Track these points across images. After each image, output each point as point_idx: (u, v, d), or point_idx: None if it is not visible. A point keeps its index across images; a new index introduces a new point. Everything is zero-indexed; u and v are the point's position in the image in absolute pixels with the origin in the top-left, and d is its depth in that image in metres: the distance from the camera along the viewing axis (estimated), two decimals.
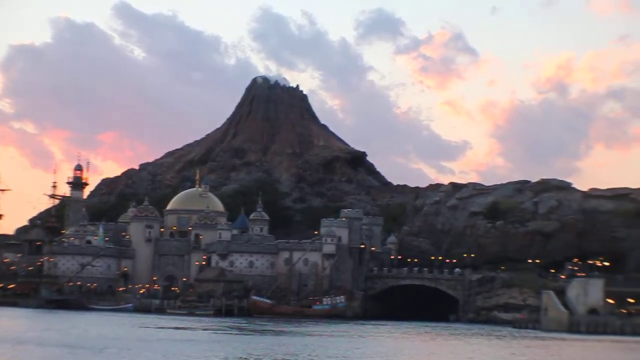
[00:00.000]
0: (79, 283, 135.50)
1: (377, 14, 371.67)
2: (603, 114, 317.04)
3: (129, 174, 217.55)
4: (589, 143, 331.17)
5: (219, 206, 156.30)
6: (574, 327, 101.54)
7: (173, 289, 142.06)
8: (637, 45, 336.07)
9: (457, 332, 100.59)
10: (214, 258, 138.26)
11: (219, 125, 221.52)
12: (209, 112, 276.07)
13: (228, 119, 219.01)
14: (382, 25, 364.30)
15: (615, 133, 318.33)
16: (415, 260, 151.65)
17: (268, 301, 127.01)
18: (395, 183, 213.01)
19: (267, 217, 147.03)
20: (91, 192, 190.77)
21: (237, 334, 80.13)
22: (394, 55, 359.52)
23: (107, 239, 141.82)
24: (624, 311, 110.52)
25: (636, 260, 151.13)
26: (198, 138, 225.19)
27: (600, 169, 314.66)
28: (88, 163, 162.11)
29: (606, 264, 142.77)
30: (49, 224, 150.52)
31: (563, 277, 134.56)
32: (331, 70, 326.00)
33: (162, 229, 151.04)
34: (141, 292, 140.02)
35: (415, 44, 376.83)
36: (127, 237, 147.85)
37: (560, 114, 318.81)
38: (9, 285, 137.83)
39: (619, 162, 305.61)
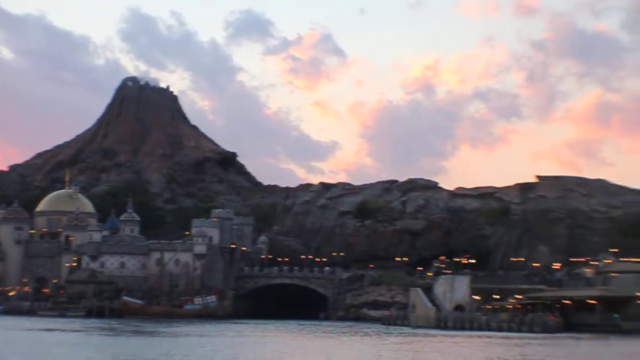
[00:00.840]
0: None
1: (246, 15, 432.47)
2: (469, 115, 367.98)
3: None
4: (455, 143, 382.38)
5: (89, 207, 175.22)
6: (441, 323, 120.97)
7: (44, 290, 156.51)
8: (502, 46, 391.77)
9: (327, 329, 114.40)
10: (85, 259, 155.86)
11: (89, 126, 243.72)
12: (78, 113, 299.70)
13: (98, 120, 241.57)
14: (252, 26, 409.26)
15: (480, 133, 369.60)
16: (286, 259, 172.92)
17: (139, 301, 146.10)
18: (265, 183, 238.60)
19: (138, 218, 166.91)
20: None
21: (107, 335, 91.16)
22: (264, 56, 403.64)
23: None
24: (489, 307, 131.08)
25: (501, 257, 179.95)
26: (68, 139, 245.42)
27: (466, 169, 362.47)
28: None
29: (472, 261, 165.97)
30: None
31: (430, 274, 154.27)
32: (201, 71, 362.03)
33: (32, 231, 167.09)
34: (11, 294, 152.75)
35: (285, 45, 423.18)
36: None
37: (427, 114, 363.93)
38: None
39: (484, 161, 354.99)
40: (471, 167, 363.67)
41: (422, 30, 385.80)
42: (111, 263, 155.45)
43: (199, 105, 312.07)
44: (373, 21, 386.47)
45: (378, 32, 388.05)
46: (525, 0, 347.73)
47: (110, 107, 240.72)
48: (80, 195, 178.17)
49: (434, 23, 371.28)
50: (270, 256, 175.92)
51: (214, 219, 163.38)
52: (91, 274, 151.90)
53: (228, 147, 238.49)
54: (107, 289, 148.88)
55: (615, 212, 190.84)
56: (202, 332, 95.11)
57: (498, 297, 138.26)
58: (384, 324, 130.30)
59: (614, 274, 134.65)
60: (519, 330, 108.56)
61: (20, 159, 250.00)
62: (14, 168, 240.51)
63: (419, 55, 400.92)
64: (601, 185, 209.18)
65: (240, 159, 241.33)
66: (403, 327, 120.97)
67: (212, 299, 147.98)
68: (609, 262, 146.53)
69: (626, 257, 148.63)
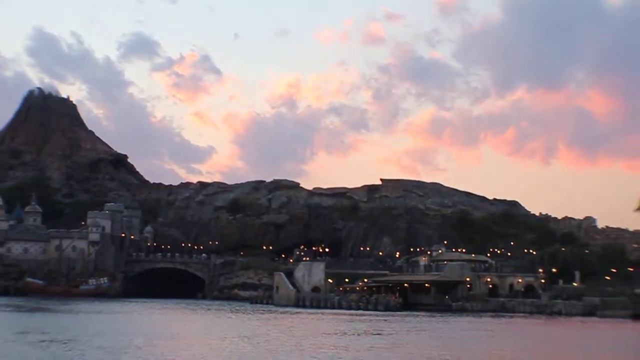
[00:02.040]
0: None
1: (136, 37, 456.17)
2: (325, 126, 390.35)
3: None
4: (313, 150, 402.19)
5: None
6: (300, 302, 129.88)
7: None
8: (353, 69, 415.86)
9: (203, 307, 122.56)
10: None
11: None
12: None
13: (6, 125, 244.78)
14: (141, 46, 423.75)
15: (334, 142, 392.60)
16: (169, 246, 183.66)
17: (40, 282, 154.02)
18: (152, 181, 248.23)
19: (40, 210, 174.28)
20: None
21: (12, 310, 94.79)
22: (151, 72, 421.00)
23: None
24: (341, 289, 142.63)
25: (351, 247, 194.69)
26: None
27: (323, 172, 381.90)
28: None
29: (327, 250, 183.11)
30: None
31: (292, 261, 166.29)
32: (96, 84, 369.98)
33: None
34: None
35: (169, 63, 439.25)
36: None
37: (289, 125, 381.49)
38: None
39: (337, 166, 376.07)
40: (327, 171, 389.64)
41: (285, 53, 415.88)
42: (16, 249, 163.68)
43: (95, 113, 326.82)
44: (245, 45, 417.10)
45: (249, 54, 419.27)
46: (373, 30, 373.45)
47: (17, 113, 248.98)
48: None
49: (295, 48, 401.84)
50: (155, 244, 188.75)
51: (107, 212, 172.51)
52: None
53: (120, 149, 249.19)
54: (12, 271, 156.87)
55: (446, 210, 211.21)
56: (97, 310, 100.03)
57: (348, 280, 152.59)
58: (252, 303, 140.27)
59: (445, 262, 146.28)
60: (365, 309, 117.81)
61: None
62: None
63: (283, 75, 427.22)
64: (435, 188, 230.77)
65: (130, 160, 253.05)
66: (268, 306, 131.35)
67: (104, 280, 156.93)
68: (440, 252, 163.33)
69: (455, 248, 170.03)
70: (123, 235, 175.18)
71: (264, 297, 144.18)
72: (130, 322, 79.50)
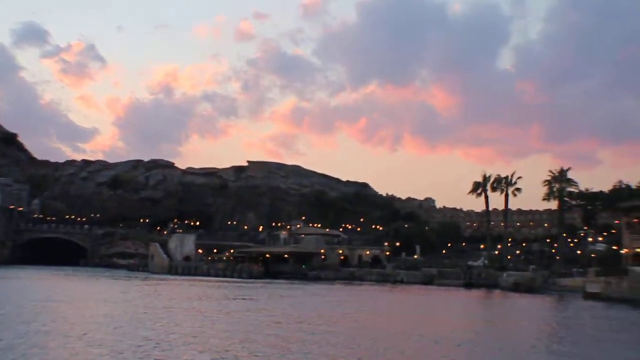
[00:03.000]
0: None
1: (28, 26, 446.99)
2: (198, 112, 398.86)
3: None
4: (187, 133, 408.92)
5: None
6: (173, 270, 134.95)
7: None
8: (225, 61, 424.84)
9: (85, 273, 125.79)
10: None
11: None
12: None
13: None
14: (32, 34, 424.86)
15: (207, 127, 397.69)
16: (54, 218, 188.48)
17: None
18: (39, 158, 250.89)
19: None
20: None
21: None
22: (41, 59, 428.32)
23: None
24: (210, 258, 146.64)
25: (220, 221, 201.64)
26: None
27: (196, 153, 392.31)
28: None
29: (198, 223, 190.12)
30: None
31: (166, 232, 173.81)
32: None
33: None
34: None
35: (58, 50, 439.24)
36: None
37: (167, 110, 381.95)
38: None
39: (209, 148, 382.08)
40: (199, 153, 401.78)
41: (165, 46, 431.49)
42: None
43: None
44: (128, 36, 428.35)
45: (131, 45, 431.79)
46: (243, 27, 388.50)
47: None
48: None
49: (174, 41, 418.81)
50: (42, 216, 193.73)
51: None
52: None
53: (10, 128, 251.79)
54: None
55: (305, 190, 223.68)
56: None
57: (217, 251, 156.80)
58: (129, 270, 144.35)
59: (302, 235, 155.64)
60: (231, 276, 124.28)
61: None
62: None
63: (162, 65, 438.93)
64: (295, 170, 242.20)
65: (20, 139, 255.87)
66: (144, 273, 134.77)
67: None
68: (299, 227, 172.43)
69: (311, 223, 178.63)
70: (12, 207, 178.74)
71: (140, 265, 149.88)
72: (17, 286, 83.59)
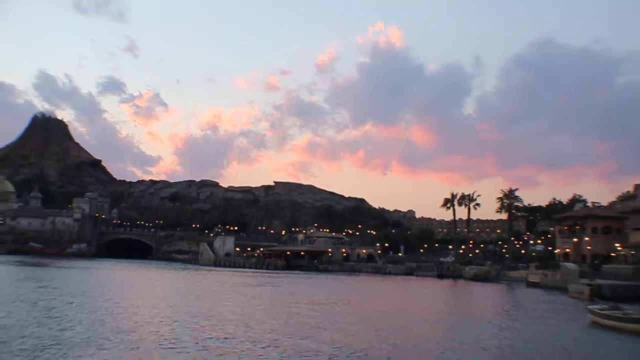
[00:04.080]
0: None
1: (110, 79, 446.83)
2: (237, 145, 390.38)
3: None
4: (228, 160, 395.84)
5: (11, 188, 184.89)
6: (217, 263, 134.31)
7: None
8: (257, 107, 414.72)
9: (153, 265, 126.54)
10: (7, 220, 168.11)
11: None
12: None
13: (18, 137, 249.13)
14: (113, 86, 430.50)
15: (243, 155, 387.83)
16: (128, 223, 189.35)
17: (40, 246, 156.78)
18: (118, 179, 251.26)
19: (41, 196, 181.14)
20: None
21: (20, 264, 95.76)
22: (119, 104, 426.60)
23: None
24: (245, 255, 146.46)
25: (252, 227, 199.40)
26: None
27: (235, 176, 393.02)
28: None
29: (236, 228, 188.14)
30: None
31: (212, 235, 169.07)
32: (82, 110, 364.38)
33: None
34: None
35: (132, 98, 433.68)
36: None
37: (213, 143, 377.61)
38: None
39: (245, 172, 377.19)
40: (237, 175, 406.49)
41: (212, 94, 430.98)
42: (23, 222, 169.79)
43: (80, 131, 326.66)
44: (184, 87, 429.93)
45: (187, 93, 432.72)
46: (271, 81, 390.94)
47: (26, 129, 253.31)
48: (5, 181, 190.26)
49: (219, 90, 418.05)
50: (119, 222, 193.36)
51: (86, 199, 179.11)
52: (11, 228, 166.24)
53: (97, 156, 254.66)
54: (20, 238, 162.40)
55: (317, 204, 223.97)
56: (79, 266, 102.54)
57: (250, 249, 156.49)
58: (184, 263, 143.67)
59: (315, 238, 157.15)
60: (261, 268, 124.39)
61: None
62: None
63: (210, 108, 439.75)
64: (310, 188, 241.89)
65: (104, 164, 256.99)
66: (195, 265, 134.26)
67: (83, 245, 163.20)
68: (312, 231, 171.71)
69: (322, 229, 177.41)
70: (97, 215, 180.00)
71: (192, 259, 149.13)
72: (101, 274, 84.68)
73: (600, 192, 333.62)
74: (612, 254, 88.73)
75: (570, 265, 78.39)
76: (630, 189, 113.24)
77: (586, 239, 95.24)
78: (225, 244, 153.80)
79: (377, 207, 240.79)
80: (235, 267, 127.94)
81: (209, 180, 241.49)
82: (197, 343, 25.16)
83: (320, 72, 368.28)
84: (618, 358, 25.76)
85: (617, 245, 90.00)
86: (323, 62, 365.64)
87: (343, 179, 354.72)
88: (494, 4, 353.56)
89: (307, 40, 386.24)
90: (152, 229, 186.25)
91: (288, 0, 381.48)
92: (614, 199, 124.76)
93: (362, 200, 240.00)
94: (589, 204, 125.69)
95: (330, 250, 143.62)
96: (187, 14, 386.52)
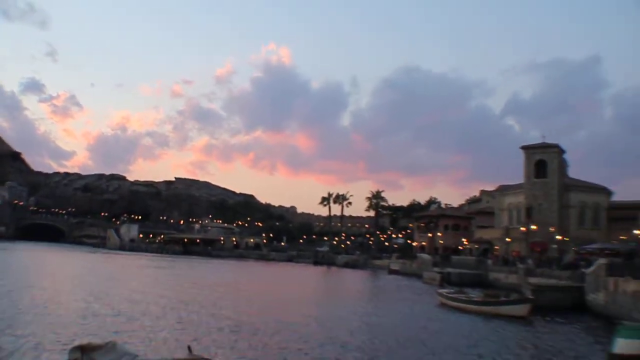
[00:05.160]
0: None
1: (31, 80, 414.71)
2: (143, 144, 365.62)
3: None
4: (135, 157, 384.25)
5: None
6: (122, 247, 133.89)
7: None
8: (162, 110, 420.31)
9: (65, 247, 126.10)
10: None
11: None
12: None
13: None
14: (34, 86, 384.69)
15: (148, 153, 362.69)
16: (44, 210, 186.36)
17: None
18: (36, 170, 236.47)
19: None
20: None
21: None
22: (39, 103, 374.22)
23: None
24: (147, 241, 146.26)
25: (155, 217, 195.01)
26: None
27: (140, 171, 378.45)
28: None
29: (141, 217, 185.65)
30: None
31: (118, 222, 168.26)
32: (5, 109, 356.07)
33: None
34: None
35: (50, 98, 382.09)
36: None
37: (122, 141, 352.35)
38: None
39: (149, 168, 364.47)
40: (143, 171, 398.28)
41: (122, 98, 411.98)
42: None
43: (2, 126, 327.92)
44: (97, 90, 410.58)
45: (99, 96, 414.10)
46: (175, 89, 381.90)
47: None
48: None
49: (128, 95, 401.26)
50: (36, 208, 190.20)
51: (6, 187, 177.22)
52: None
53: (17, 149, 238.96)
54: None
55: (212, 198, 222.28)
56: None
57: (152, 236, 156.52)
58: (93, 247, 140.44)
59: (209, 228, 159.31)
60: (161, 253, 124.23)
61: None
62: None
63: (120, 111, 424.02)
64: (206, 185, 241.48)
65: (23, 156, 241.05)
66: (104, 249, 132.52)
67: (2, 228, 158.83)
68: (207, 222, 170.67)
69: (215, 220, 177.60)
70: (16, 202, 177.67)
71: (100, 243, 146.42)
72: (17, 254, 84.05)
73: (452, 195, 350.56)
74: (460, 247, 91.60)
75: (425, 256, 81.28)
76: (477, 194, 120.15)
77: (439, 234, 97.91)
78: (130, 231, 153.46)
79: (264, 202, 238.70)
80: (138, 251, 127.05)
81: (118, 174, 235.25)
82: (96, 317, 25.22)
83: (219, 84, 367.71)
84: (459, 330, 26.70)
85: (464, 240, 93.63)
86: (222, 75, 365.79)
87: (235, 177, 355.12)
88: (371, 34, 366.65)
89: (209, 55, 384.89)
90: (65, 216, 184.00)
91: (194, 19, 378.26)
92: (463, 202, 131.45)
93: (251, 196, 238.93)
94: (443, 206, 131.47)
95: (222, 238, 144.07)
96: (102, 25, 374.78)
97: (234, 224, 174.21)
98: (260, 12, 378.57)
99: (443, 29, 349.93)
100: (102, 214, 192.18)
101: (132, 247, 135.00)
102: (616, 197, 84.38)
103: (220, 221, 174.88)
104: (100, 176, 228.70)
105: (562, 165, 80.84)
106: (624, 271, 30.97)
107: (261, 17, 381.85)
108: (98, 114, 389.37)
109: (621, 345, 17.57)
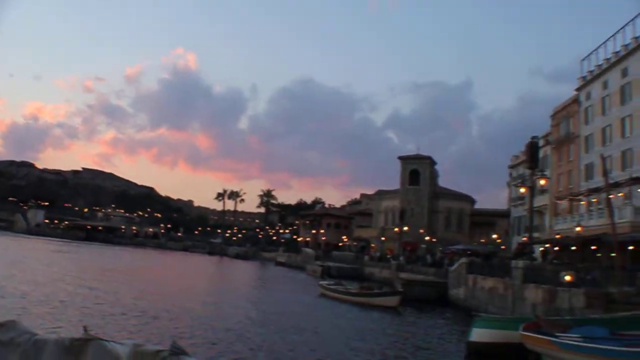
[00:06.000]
0: None
1: None
2: (53, 134, 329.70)
3: None
4: (45, 146, 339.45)
5: None
6: (29, 232, 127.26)
7: None
8: (73, 104, 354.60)
9: None
10: None
11: None
12: None
13: None
14: None
15: (58, 143, 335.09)
16: None
17: None
18: None
19: None
20: None
21: None
22: None
23: None
24: (53, 226, 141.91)
25: (61, 204, 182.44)
26: None
27: (50, 160, 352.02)
28: None
29: (47, 203, 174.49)
30: None
31: (26, 207, 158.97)
32: None
33: None
34: None
35: None
36: None
37: (34, 131, 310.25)
38: None
39: (59, 157, 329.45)
40: (52, 160, 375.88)
41: (37, 90, 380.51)
42: None
43: None
44: (16, 81, 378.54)
45: (17, 87, 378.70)
46: (87, 84, 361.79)
47: None
48: None
49: (42, 88, 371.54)
50: None
51: None
52: None
53: None
54: None
55: (116, 189, 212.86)
56: None
57: (57, 221, 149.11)
58: (1, 230, 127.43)
59: (112, 216, 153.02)
60: (66, 238, 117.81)
61: None
62: None
63: (34, 102, 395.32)
64: (111, 176, 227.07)
65: None
66: (12, 232, 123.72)
67: None
68: (110, 211, 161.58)
69: (118, 209, 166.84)
70: None
71: (8, 227, 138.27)
72: None
73: (335, 197, 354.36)
74: (340, 244, 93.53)
75: (308, 250, 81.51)
76: (358, 196, 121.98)
77: (322, 231, 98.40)
78: (37, 216, 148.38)
79: (164, 195, 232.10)
80: (43, 236, 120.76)
81: (27, 162, 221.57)
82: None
83: (128, 82, 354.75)
84: (335, 316, 26.98)
85: (344, 237, 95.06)
86: (131, 75, 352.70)
87: (138, 170, 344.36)
88: (272, 47, 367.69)
89: (121, 55, 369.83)
90: None
91: (109, 19, 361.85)
92: (345, 203, 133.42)
93: (152, 189, 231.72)
94: (327, 206, 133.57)
95: (123, 227, 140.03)
96: (21, 18, 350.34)
97: (135, 214, 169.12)
98: (171, 18, 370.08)
99: (339, 47, 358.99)
100: (11, 198, 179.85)
101: (37, 231, 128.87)
102: (478, 205, 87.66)
103: (123, 211, 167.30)
104: (12, 162, 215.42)
105: (433, 175, 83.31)
106: (483, 270, 31.84)
107: (172, 22, 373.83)
108: (13, 103, 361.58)
109: (477, 334, 18.01)
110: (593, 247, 38.33)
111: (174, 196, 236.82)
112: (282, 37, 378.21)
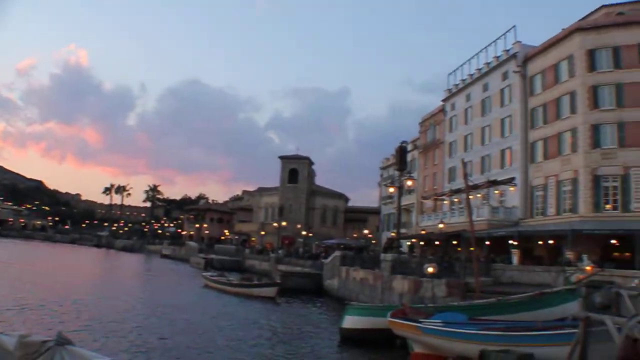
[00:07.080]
0: None
1: None
2: None
3: None
4: None
5: None
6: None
7: None
8: None
9: None
10: None
11: None
12: None
13: None
14: None
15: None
16: None
17: None
18: None
19: None
20: None
21: None
22: None
23: None
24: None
25: None
26: None
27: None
28: None
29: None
30: None
31: None
32: None
33: None
34: None
35: None
36: None
37: None
38: None
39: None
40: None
41: None
42: None
43: None
44: None
45: None
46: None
47: None
48: None
49: None
50: None
51: None
52: None
53: None
54: None
55: (5, 181, 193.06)
56: None
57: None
58: None
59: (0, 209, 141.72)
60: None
61: None
62: None
63: None
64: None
65: None
66: None
67: None
68: None
69: (6, 202, 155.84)
70: None
71: None
72: None
73: (219, 193, 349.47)
74: (223, 237, 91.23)
75: (192, 243, 79.75)
76: (240, 193, 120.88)
77: (205, 225, 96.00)
78: None
79: (52, 188, 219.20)
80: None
81: None
82: None
83: (19, 75, 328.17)
84: (218, 305, 26.67)
85: (226, 231, 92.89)
86: (23, 68, 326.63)
87: (27, 163, 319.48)
88: (160, 47, 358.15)
89: (12, 47, 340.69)
90: None
91: (0, 12, 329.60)
92: (227, 199, 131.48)
93: (40, 182, 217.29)
94: (210, 201, 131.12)
95: (11, 220, 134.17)
96: None
97: (23, 207, 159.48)
98: (64, 14, 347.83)
99: (226, 50, 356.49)
100: None
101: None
102: (351, 203, 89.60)
103: (11, 203, 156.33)
104: None
105: (311, 174, 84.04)
106: (355, 262, 31.76)
107: (64, 18, 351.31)
108: None
109: (348, 321, 18.15)
110: (454, 242, 39.50)
111: (62, 190, 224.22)
112: (171, 37, 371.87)
